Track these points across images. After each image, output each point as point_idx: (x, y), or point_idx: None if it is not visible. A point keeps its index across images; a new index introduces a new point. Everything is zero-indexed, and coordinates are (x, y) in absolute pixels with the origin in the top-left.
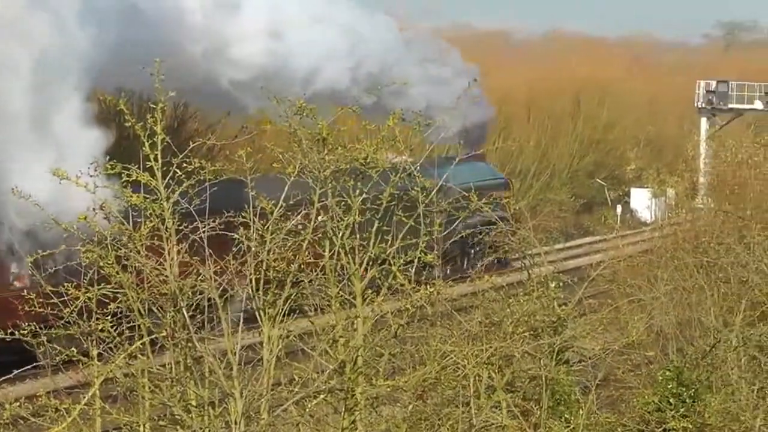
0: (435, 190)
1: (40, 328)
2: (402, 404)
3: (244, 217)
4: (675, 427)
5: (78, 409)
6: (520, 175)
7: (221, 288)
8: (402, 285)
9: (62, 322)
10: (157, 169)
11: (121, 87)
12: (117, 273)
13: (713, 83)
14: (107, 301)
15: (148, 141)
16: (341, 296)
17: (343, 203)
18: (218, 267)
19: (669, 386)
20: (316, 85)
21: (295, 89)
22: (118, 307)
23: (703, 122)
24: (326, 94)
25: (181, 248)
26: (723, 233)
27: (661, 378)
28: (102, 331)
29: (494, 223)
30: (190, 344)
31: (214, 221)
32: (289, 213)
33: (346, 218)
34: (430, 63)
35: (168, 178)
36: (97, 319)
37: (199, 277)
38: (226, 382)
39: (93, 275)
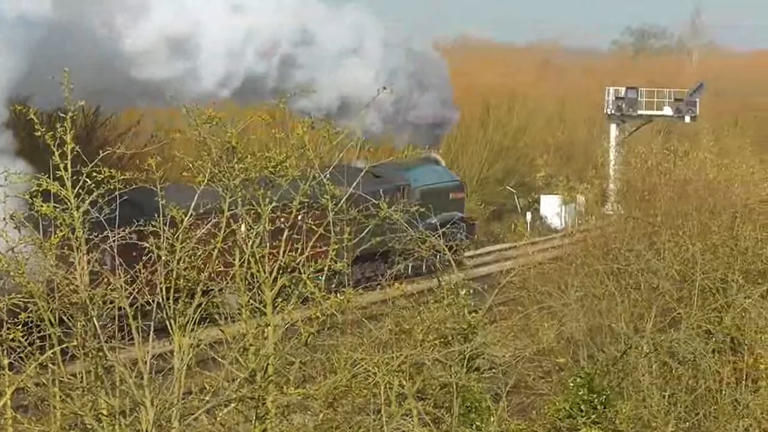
0: (344, 198)
1: None
2: (313, 412)
3: (154, 226)
4: None
5: None
6: None
7: (132, 297)
8: (312, 293)
9: None
10: (67, 178)
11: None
12: (28, 283)
13: (622, 90)
14: (18, 310)
15: (57, 150)
16: (252, 304)
17: (253, 211)
18: (129, 276)
19: (580, 393)
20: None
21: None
22: (28, 317)
23: (613, 129)
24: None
25: (91, 257)
26: (633, 240)
27: (572, 384)
28: (13, 340)
29: (454, 223)
30: (101, 353)
31: (124, 230)
32: (200, 222)
33: (255, 226)
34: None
35: (78, 187)
36: (8, 328)
37: (110, 287)
38: (137, 391)
39: (3, 285)
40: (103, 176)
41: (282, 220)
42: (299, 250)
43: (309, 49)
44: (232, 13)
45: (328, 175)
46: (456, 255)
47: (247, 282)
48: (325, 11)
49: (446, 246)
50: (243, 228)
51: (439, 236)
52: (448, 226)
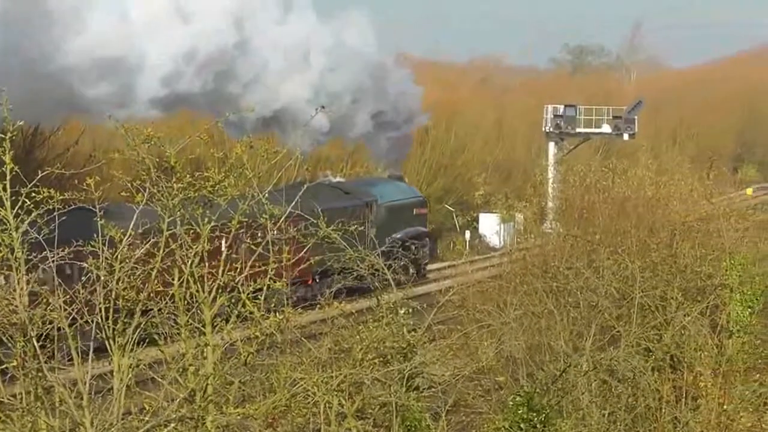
0: (283, 218)
1: None
2: None
3: (93, 246)
4: None
5: None
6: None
7: (71, 317)
8: (251, 313)
9: None
10: (6, 198)
11: None
12: None
13: (561, 107)
14: None
15: None
16: (191, 324)
17: (192, 231)
18: (68, 297)
19: (519, 411)
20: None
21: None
22: None
23: (551, 147)
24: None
25: (31, 278)
26: (572, 258)
27: (511, 403)
28: None
29: (420, 237)
30: (40, 374)
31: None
32: (139, 242)
33: (194, 246)
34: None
35: (17, 207)
36: None
37: (49, 307)
38: (77, 412)
39: None
40: (42, 196)
41: (222, 238)
42: (238, 269)
43: (247, 60)
44: (170, 26)
45: (266, 195)
46: (422, 268)
47: (186, 302)
48: (270, 22)
49: (410, 259)
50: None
51: (403, 251)
52: (411, 240)
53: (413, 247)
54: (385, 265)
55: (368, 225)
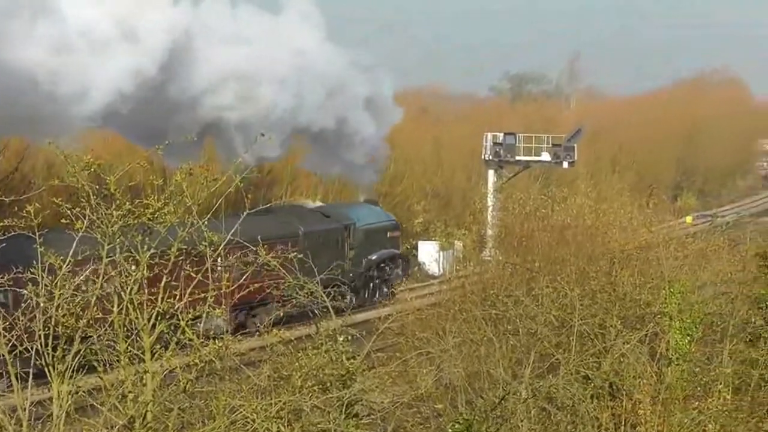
0: (223, 245)
1: None
2: None
3: (33, 273)
4: None
5: None
6: None
7: (10, 344)
8: (190, 340)
9: None
10: None
11: None
12: None
13: (500, 135)
14: None
15: None
16: (130, 351)
17: (131, 258)
18: (7, 323)
19: None
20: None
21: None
22: None
23: (491, 174)
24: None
25: None
26: (511, 285)
27: (450, 430)
28: None
29: (394, 259)
30: None
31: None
32: (78, 269)
33: (134, 273)
34: None
35: None
36: None
37: None
38: None
39: None
40: None
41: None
42: (177, 297)
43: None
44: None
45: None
46: (391, 288)
47: (125, 328)
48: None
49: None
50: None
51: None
52: (387, 261)
53: (387, 268)
54: (324, 292)
55: (347, 247)
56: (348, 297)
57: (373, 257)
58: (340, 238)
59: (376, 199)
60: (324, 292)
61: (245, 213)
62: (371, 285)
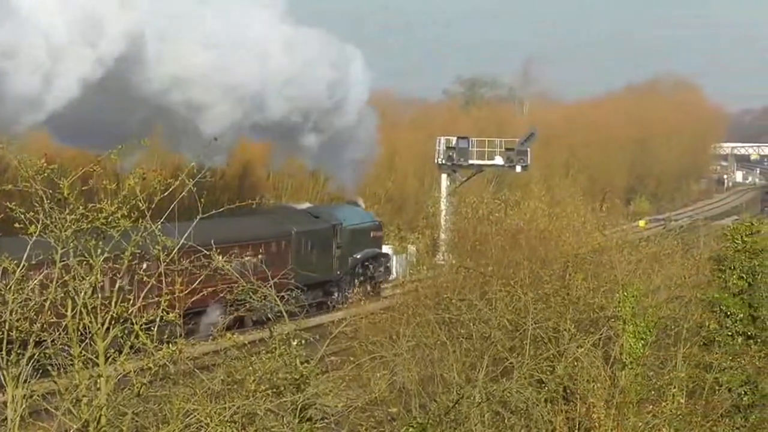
0: (176, 249)
1: None
2: None
3: None
4: None
5: None
6: None
7: None
8: (144, 344)
9: None
10: None
11: None
12: None
13: (453, 139)
14: None
15: None
16: (84, 355)
17: (85, 262)
18: None
19: None
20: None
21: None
22: None
23: (444, 178)
24: None
25: None
26: (465, 289)
27: None
28: None
29: (377, 258)
30: None
31: None
32: (32, 273)
33: (88, 277)
34: None
35: None
36: None
37: None
38: None
39: None
40: None
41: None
42: (131, 301)
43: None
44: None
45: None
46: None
47: (79, 333)
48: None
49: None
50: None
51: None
52: (371, 260)
53: (371, 267)
54: (277, 296)
55: (335, 246)
56: (335, 294)
57: (358, 256)
58: (328, 238)
59: (358, 201)
60: (277, 296)
61: (198, 217)
62: (356, 282)
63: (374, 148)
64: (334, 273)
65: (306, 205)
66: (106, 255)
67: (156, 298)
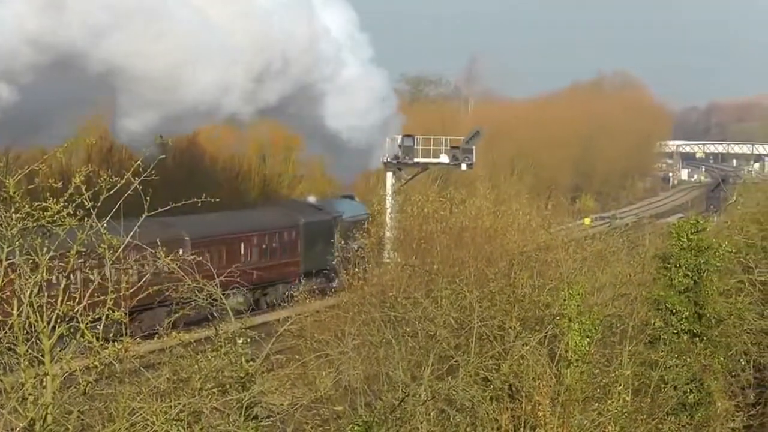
0: (122, 247)
1: None
2: None
3: None
4: None
5: None
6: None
7: None
8: (90, 342)
9: None
10: None
11: None
12: None
13: (399, 137)
14: None
15: None
16: (30, 354)
17: (31, 261)
18: None
19: None
20: None
21: None
22: None
23: (389, 176)
24: None
25: None
26: (410, 287)
27: None
28: None
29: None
30: None
31: None
32: None
33: (33, 276)
34: None
35: None
36: None
37: None
38: None
39: None
40: None
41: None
42: (77, 299)
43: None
44: None
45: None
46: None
47: (25, 331)
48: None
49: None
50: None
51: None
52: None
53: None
54: (222, 294)
55: (336, 236)
56: (335, 282)
57: (355, 246)
58: (330, 228)
59: (353, 194)
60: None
61: (144, 215)
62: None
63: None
64: (335, 261)
65: (311, 199)
66: (52, 253)
67: (102, 297)
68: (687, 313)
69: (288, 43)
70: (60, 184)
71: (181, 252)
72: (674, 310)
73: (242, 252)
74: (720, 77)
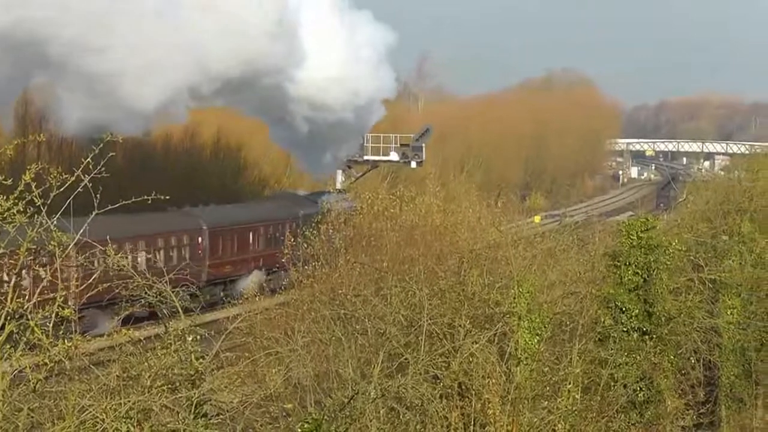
0: (72, 244)
1: None
2: None
3: None
4: None
5: None
6: None
7: None
8: (40, 339)
9: None
10: None
11: None
12: None
13: None
14: None
15: None
16: None
17: None
18: None
19: None
20: None
21: None
22: None
23: (339, 174)
24: None
25: None
26: (360, 285)
27: (299, 430)
28: None
29: None
30: None
31: None
32: None
33: None
34: None
35: None
36: None
37: None
38: None
39: None
40: None
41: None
42: (27, 297)
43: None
44: None
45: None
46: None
47: None
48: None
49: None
50: None
51: None
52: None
53: None
54: (172, 291)
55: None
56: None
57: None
58: None
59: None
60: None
61: (94, 213)
62: None
63: None
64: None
65: (302, 192)
66: (2, 251)
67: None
68: (637, 311)
69: (249, 43)
70: (10, 181)
71: (200, 240)
72: (624, 308)
73: (251, 240)
74: (667, 76)
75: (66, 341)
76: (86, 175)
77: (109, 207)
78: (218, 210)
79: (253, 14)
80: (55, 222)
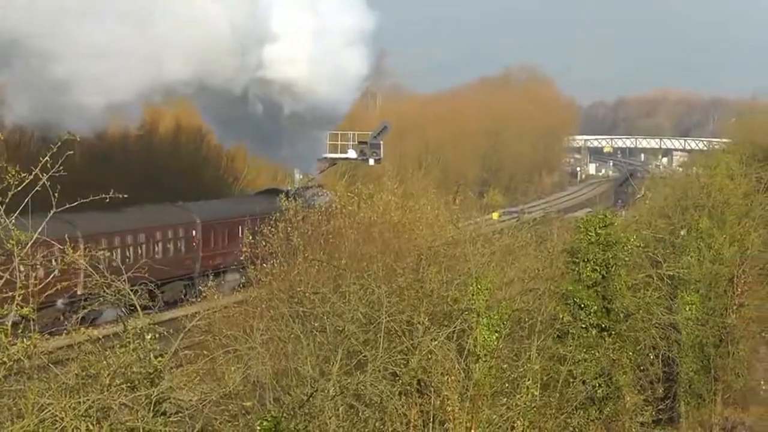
0: (30, 243)
1: None
2: None
3: None
4: None
5: None
6: None
7: None
8: None
9: None
10: None
11: None
12: None
13: None
14: None
15: None
16: None
17: None
18: None
19: None
20: None
21: None
22: None
23: (297, 172)
24: None
25: None
26: (318, 283)
27: (258, 428)
28: None
29: None
30: None
31: None
32: None
33: None
34: None
35: None
36: None
37: None
38: None
39: None
40: None
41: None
42: None
43: None
44: None
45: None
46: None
47: None
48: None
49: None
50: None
51: None
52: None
53: None
54: (131, 290)
55: None
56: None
57: None
58: None
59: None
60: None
61: (52, 211)
62: None
63: None
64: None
65: (287, 188)
66: None
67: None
68: (595, 307)
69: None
70: None
71: (194, 233)
72: (582, 305)
73: (240, 234)
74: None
75: (25, 340)
76: (44, 174)
77: (67, 206)
78: (210, 205)
79: (215, 17)
80: (12, 220)
